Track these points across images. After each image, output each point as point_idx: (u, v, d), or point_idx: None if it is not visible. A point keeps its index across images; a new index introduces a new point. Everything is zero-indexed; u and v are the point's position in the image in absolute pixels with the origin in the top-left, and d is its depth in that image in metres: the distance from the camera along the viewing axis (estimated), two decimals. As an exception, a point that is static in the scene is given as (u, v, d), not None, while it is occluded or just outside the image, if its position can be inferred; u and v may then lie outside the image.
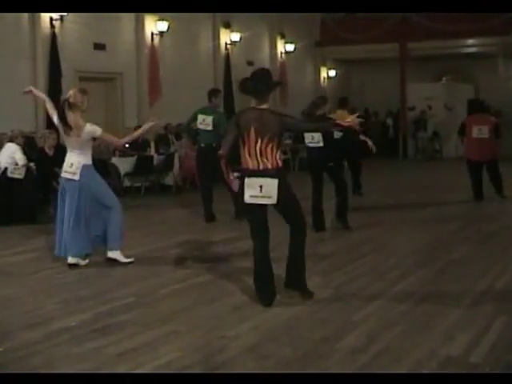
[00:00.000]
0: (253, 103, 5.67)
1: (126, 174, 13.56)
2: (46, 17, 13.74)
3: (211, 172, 9.82)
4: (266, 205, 5.63)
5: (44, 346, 4.87)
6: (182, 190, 14.12)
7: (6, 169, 10.27)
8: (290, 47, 21.86)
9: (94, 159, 7.31)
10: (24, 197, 10.27)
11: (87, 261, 7.32)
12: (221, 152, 5.78)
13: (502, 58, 22.71)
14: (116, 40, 15.72)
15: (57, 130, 7.88)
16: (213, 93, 10.33)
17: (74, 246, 7.16)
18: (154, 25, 16.37)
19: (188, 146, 14.26)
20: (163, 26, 16.44)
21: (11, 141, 10.47)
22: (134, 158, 13.69)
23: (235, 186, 5.77)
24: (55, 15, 13.80)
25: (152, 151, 14.44)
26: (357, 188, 12.68)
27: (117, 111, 16.02)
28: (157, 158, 14.11)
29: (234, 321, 5.39)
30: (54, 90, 13.19)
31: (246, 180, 5.59)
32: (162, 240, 8.86)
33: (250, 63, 19.82)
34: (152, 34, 16.37)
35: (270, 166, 5.54)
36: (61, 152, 7.89)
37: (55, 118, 7.17)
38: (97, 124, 7.21)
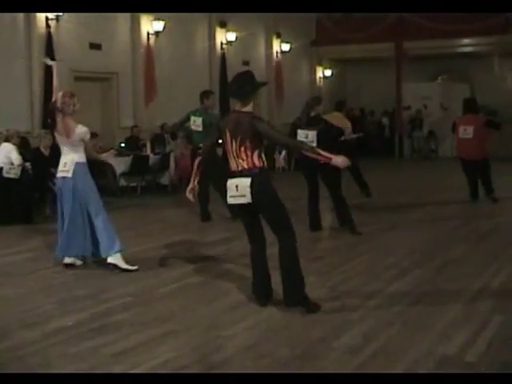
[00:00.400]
0: (236, 106, 5.65)
1: (122, 174, 13.57)
2: (41, 16, 13.73)
3: (207, 171, 9.82)
4: (251, 206, 5.57)
5: (41, 346, 4.87)
6: (177, 190, 14.12)
7: (1, 168, 10.26)
8: (286, 47, 21.86)
9: (89, 159, 7.30)
10: (20, 197, 10.26)
11: (82, 262, 7.32)
12: (199, 157, 5.77)
13: (498, 57, 22.75)
14: (112, 40, 15.71)
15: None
16: (204, 94, 10.42)
17: (71, 248, 7.15)
18: (150, 24, 16.37)
19: (183, 146, 14.29)
20: (159, 25, 16.44)
21: (7, 140, 10.46)
22: (130, 157, 13.70)
23: (190, 195, 5.75)
24: (51, 15, 13.79)
25: (148, 151, 14.44)
26: (365, 188, 12.59)
27: (112, 111, 16.02)
28: (152, 158, 14.12)
29: (231, 320, 5.39)
30: (50, 90, 13.15)
31: (227, 182, 5.61)
32: (158, 239, 8.86)
33: (245, 63, 19.82)
34: (148, 33, 16.36)
35: (246, 167, 5.49)
36: (56, 152, 7.88)
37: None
38: (90, 125, 7.22)
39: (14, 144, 10.39)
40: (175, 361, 4.53)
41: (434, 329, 5.10)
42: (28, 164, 10.82)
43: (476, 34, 21.16)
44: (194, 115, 10.26)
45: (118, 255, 7.15)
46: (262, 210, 5.58)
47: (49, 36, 13.85)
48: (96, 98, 15.74)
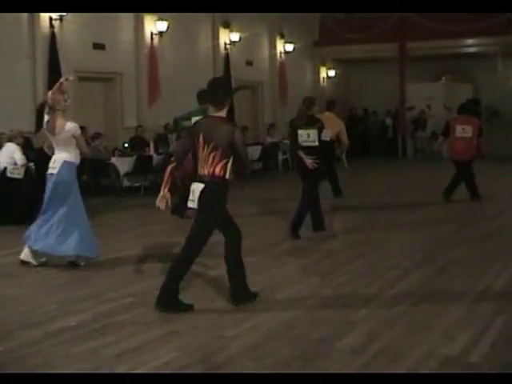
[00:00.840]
0: (210, 111, 5.66)
1: (126, 174, 13.57)
2: (45, 17, 13.72)
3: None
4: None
5: (43, 346, 4.87)
6: (180, 190, 14.09)
7: (5, 169, 10.27)
8: (290, 47, 21.84)
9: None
10: (23, 197, 10.26)
11: (37, 264, 7.28)
12: (173, 160, 5.72)
13: (501, 57, 22.70)
14: (115, 40, 15.70)
15: None
16: (201, 94, 10.36)
17: (37, 241, 7.18)
18: (154, 25, 16.35)
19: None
20: (162, 25, 16.42)
21: (10, 141, 10.46)
22: (133, 157, 13.70)
23: (162, 204, 5.70)
24: (54, 15, 13.78)
25: (151, 151, 14.44)
26: (338, 193, 12.51)
27: (116, 111, 16.00)
28: (156, 158, 14.12)
29: (234, 321, 5.39)
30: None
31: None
32: (161, 239, 8.86)
33: (249, 63, 19.81)
34: (151, 33, 16.35)
35: (206, 173, 5.52)
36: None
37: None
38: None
39: (17, 144, 10.39)
40: (178, 361, 4.53)
41: (436, 329, 5.10)
42: (31, 164, 10.82)
43: (479, 35, 21.10)
44: (193, 115, 10.16)
45: (28, 251, 7.23)
46: (199, 215, 5.60)
47: (52, 36, 13.84)
48: (99, 98, 15.74)
